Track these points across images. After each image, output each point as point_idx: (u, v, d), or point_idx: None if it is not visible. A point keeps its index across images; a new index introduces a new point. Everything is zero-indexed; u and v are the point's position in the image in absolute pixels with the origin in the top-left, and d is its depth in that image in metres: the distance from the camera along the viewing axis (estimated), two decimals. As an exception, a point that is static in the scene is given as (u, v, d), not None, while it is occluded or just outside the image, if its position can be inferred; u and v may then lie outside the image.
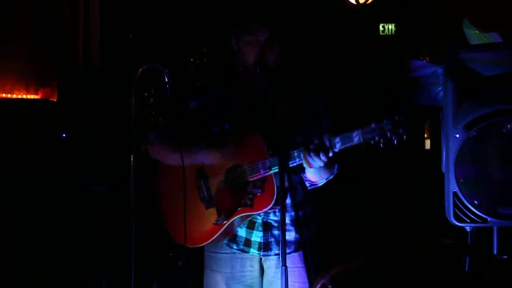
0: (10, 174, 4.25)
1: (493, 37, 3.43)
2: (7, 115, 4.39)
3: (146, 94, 5.05)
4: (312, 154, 2.66)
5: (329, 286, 2.80)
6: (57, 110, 4.52)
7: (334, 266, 2.93)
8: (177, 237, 2.90)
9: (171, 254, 2.88)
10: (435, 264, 3.00)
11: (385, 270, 3.04)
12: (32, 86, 4.71)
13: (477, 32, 3.47)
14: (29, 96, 4.68)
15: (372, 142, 2.65)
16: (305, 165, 2.71)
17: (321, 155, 2.65)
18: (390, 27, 7.14)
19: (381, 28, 7.14)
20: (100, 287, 4.04)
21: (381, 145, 2.64)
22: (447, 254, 3.10)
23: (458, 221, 2.53)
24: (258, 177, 2.76)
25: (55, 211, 4.30)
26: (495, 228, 2.56)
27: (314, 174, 2.83)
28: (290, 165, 2.71)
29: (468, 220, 2.51)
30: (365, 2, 6.69)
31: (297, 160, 2.71)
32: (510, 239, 2.57)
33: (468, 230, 2.66)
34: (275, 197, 2.73)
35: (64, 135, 4.39)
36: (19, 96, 4.64)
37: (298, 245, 2.90)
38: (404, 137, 2.64)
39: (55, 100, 4.66)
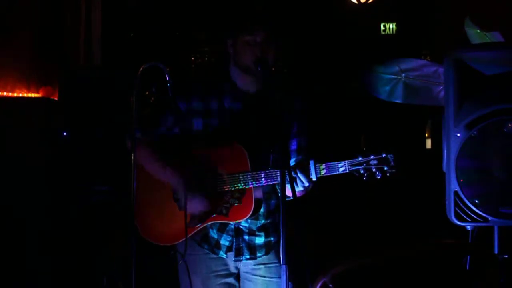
0: (11, 173, 4.25)
1: (495, 36, 3.43)
2: (8, 113, 4.39)
3: (147, 93, 5.05)
4: (296, 177, 2.69)
5: (330, 285, 2.81)
6: (58, 109, 4.52)
7: (335, 265, 2.93)
8: (145, 234, 2.86)
9: (172, 252, 2.86)
10: (436, 264, 3.00)
11: (385, 270, 3.05)
12: (33, 85, 4.71)
13: (478, 31, 3.46)
14: (30, 95, 4.68)
15: (356, 174, 2.70)
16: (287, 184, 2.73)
17: (304, 180, 2.69)
18: (391, 26, 7.15)
19: (382, 28, 7.15)
20: (102, 287, 4.04)
21: (365, 178, 2.70)
22: (448, 253, 3.10)
23: (459, 221, 2.52)
24: (237, 188, 2.77)
25: (56, 210, 4.30)
26: (496, 228, 2.55)
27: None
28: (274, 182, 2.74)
29: (469, 220, 2.50)
30: (366, 1, 6.69)
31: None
32: (511, 239, 2.57)
33: (469, 229, 2.66)
34: (252, 211, 2.77)
35: (65, 133, 4.40)
36: (20, 95, 4.64)
37: (268, 248, 2.93)
38: (388, 174, 2.69)
39: (56, 99, 4.67)
